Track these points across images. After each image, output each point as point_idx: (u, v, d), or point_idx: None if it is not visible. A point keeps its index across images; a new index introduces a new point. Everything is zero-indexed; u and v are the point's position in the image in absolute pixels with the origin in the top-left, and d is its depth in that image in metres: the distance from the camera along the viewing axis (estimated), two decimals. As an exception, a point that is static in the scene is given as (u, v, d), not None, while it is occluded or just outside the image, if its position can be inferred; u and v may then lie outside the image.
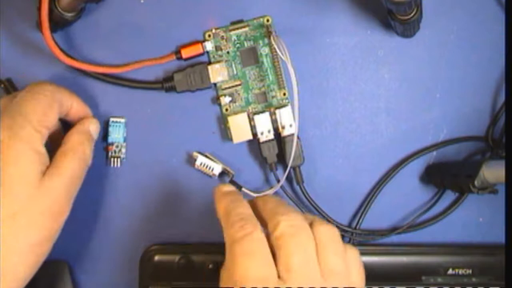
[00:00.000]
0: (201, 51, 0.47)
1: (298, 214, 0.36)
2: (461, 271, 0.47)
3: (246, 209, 0.37)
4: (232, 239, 0.35)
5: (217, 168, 0.47)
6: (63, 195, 0.41)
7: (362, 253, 0.47)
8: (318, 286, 0.34)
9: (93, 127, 0.45)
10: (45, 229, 0.40)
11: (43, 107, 0.41)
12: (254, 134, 0.47)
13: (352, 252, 0.37)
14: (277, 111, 0.47)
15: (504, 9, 0.47)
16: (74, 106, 0.44)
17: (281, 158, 0.47)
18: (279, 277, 0.34)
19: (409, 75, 0.48)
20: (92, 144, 0.44)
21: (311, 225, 0.36)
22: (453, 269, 0.47)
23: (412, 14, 0.42)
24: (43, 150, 0.40)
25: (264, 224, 0.36)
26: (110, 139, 0.47)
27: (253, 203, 0.38)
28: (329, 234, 0.36)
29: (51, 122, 0.41)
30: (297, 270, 0.34)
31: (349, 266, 0.36)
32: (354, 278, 0.36)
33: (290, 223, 0.35)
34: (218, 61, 0.47)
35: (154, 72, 0.47)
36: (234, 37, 0.47)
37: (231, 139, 0.47)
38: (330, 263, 0.35)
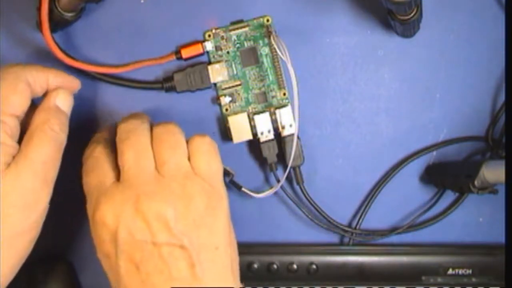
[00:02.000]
0: (201, 51, 0.47)
1: (137, 119, 0.41)
2: (461, 271, 0.47)
3: (100, 135, 0.43)
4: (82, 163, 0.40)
5: (217, 168, 0.47)
6: (36, 182, 0.38)
7: (362, 253, 0.47)
8: (151, 177, 0.38)
9: (61, 99, 0.41)
10: (20, 221, 0.38)
11: (4, 93, 0.38)
12: (254, 134, 0.47)
13: (196, 141, 0.40)
14: (277, 111, 0.47)
15: (504, 9, 0.47)
16: (52, 82, 0.41)
17: (281, 158, 0.47)
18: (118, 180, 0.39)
19: (409, 75, 0.48)
20: (62, 119, 0.40)
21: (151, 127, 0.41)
22: (453, 269, 0.47)
23: (412, 14, 0.42)
24: (6, 139, 0.38)
25: None
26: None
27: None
28: (164, 131, 0.40)
29: (17, 107, 0.39)
30: (128, 167, 0.38)
31: (192, 154, 0.40)
32: (196, 163, 0.40)
33: (125, 128, 0.40)
34: (218, 61, 0.47)
35: (154, 72, 0.47)
36: (234, 37, 0.47)
37: (231, 139, 0.47)
38: (163, 155, 0.38)
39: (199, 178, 0.39)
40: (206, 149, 0.40)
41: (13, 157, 0.38)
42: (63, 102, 0.41)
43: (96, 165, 0.40)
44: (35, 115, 0.40)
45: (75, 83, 0.43)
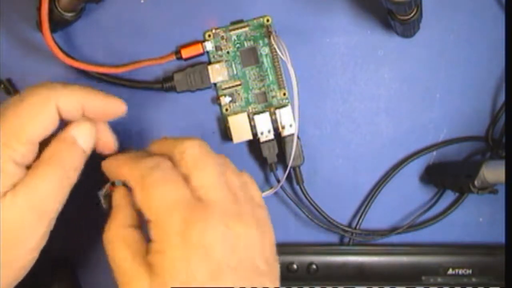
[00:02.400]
0: (201, 51, 0.47)
1: (195, 140, 0.37)
2: (461, 271, 0.47)
3: (146, 153, 0.38)
4: (141, 175, 0.34)
5: (217, 168, 0.47)
6: (30, 216, 0.34)
7: (362, 253, 0.47)
8: (233, 200, 0.35)
9: (81, 133, 0.37)
10: (5, 253, 0.34)
11: (21, 117, 0.35)
12: (254, 134, 0.47)
13: (248, 176, 0.40)
14: (277, 111, 0.47)
15: (504, 9, 0.47)
16: (89, 106, 0.37)
17: (281, 158, 0.47)
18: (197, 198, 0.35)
19: (409, 75, 0.48)
20: (76, 155, 0.36)
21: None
22: (453, 269, 0.47)
23: (412, 14, 0.42)
24: (9, 167, 0.34)
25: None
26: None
27: (150, 150, 0.39)
28: (224, 160, 0.39)
29: (35, 135, 0.35)
30: (211, 186, 0.35)
31: (247, 184, 0.39)
32: (255, 194, 0.39)
33: (196, 150, 0.36)
34: (218, 61, 0.47)
35: (154, 72, 0.47)
36: (234, 37, 0.47)
37: (231, 139, 0.47)
38: (234, 181, 0.37)
39: (264, 208, 0.38)
40: (255, 184, 0.40)
41: (13, 185, 0.35)
42: (83, 137, 0.37)
43: (172, 177, 0.35)
44: (50, 144, 0.36)
45: (119, 108, 0.38)
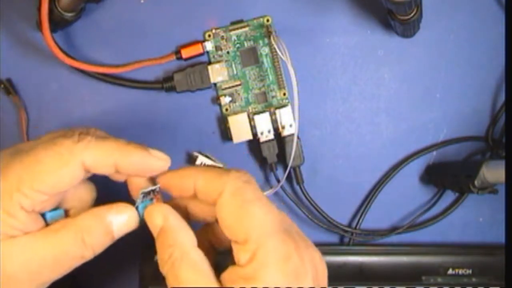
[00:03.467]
0: (201, 51, 0.47)
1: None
2: (461, 271, 0.47)
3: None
4: (236, 188, 0.33)
5: (217, 168, 0.47)
6: (23, 275, 0.32)
7: (362, 253, 0.47)
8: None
9: (119, 219, 0.34)
10: None
11: (44, 166, 0.32)
12: (254, 134, 0.47)
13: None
14: (277, 111, 0.47)
15: (504, 9, 0.47)
16: (122, 164, 0.34)
17: (281, 158, 0.47)
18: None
19: (409, 75, 0.48)
20: (103, 237, 0.34)
21: None
22: (453, 269, 0.47)
23: (412, 14, 0.42)
24: (17, 213, 0.32)
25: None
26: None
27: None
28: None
29: (51, 187, 0.32)
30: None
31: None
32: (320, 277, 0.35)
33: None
34: (218, 61, 0.47)
35: (154, 72, 0.47)
36: (234, 37, 0.47)
37: (231, 139, 0.47)
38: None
39: None
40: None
41: (26, 232, 0.32)
42: (119, 224, 0.34)
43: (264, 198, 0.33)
44: (84, 214, 0.34)
45: (161, 164, 0.35)
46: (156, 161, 0.35)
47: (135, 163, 0.34)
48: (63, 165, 0.32)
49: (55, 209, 0.35)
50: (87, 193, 0.37)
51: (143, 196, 0.35)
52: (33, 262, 0.32)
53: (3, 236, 0.32)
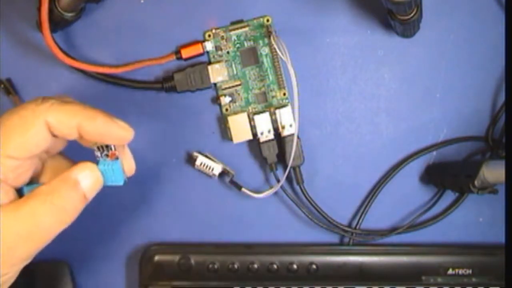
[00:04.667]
0: (201, 51, 0.47)
1: None
2: (461, 271, 0.47)
3: None
4: None
5: (217, 168, 0.47)
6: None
7: (362, 253, 0.47)
8: None
9: (85, 176, 0.34)
10: None
11: (9, 130, 0.32)
12: (254, 134, 0.47)
13: None
14: (277, 111, 0.47)
15: (504, 9, 0.47)
16: (85, 128, 0.34)
17: (281, 158, 0.47)
18: None
19: (409, 75, 0.48)
20: (73, 197, 0.34)
21: None
22: (453, 269, 0.47)
23: (412, 14, 0.42)
24: None
25: None
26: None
27: None
28: None
29: (19, 150, 0.33)
30: None
31: None
32: None
33: None
34: (218, 61, 0.47)
35: (154, 72, 0.47)
36: (234, 37, 0.47)
37: (231, 139, 0.47)
38: None
39: None
40: None
41: None
42: (87, 181, 0.34)
43: None
44: (52, 181, 0.34)
45: (124, 134, 0.35)
46: (119, 129, 0.35)
47: (99, 128, 0.34)
48: (28, 126, 0.33)
49: (32, 183, 0.35)
50: (63, 167, 0.36)
51: (100, 151, 0.36)
52: (8, 233, 0.32)
53: None
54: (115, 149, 0.36)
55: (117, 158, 0.36)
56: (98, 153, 0.36)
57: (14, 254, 0.33)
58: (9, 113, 0.33)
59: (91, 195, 0.35)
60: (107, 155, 0.36)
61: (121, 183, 0.37)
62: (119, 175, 0.36)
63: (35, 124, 0.33)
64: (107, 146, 0.36)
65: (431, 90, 0.48)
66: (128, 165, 0.37)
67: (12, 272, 0.33)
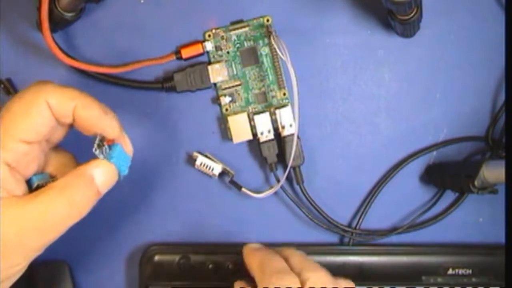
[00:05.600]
0: (201, 51, 0.47)
1: (324, 270, 0.39)
2: (461, 271, 0.47)
3: (282, 263, 0.39)
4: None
5: (217, 168, 0.47)
6: (12, 240, 0.32)
7: (362, 253, 0.47)
8: None
9: (100, 172, 0.35)
10: None
11: (16, 114, 0.34)
12: (254, 134, 0.47)
13: None
14: (277, 111, 0.47)
15: (504, 9, 0.47)
16: (79, 113, 0.35)
17: (281, 158, 0.47)
18: None
19: (409, 75, 0.48)
20: (88, 192, 0.35)
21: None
22: (453, 269, 0.47)
23: (412, 14, 0.42)
24: (1, 170, 0.33)
25: None
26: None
27: (280, 255, 0.40)
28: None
29: (27, 132, 0.34)
30: None
31: None
32: None
33: (319, 279, 0.37)
34: (218, 61, 0.47)
35: (154, 72, 0.47)
36: (234, 37, 0.47)
37: (231, 139, 0.47)
38: None
39: None
40: None
41: (11, 193, 0.33)
42: (101, 177, 0.35)
43: None
44: (67, 174, 0.35)
45: (109, 125, 0.36)
46: (110, 120, 0.36)
47: (93, 115, 0.36)
48: (32, 108, 0.34)
49: (37, 174, 0.36)
50: (68, 159, 0.38)
51: (100, 149, 0.36)
52: (24, 225, 0.33)
53: None
54: (105, 138, 0.37)
55: (115, 143, 0.37)
56: (100, 154, 0.36)
57: (28, 245, 0.33)
58: (12, 99, 0.34)
59: (104, 190, 0.36)
60: (106, 149, 0.36)
61: (130, 160, 0.38)
62: (126, 155, 0.38)
63: (39, 104, 0.34)
64: (101, 141, 0.36)
65: (431, 90, 0.48)
66: (126, 146, 0.38)
67: (23, 263, 0.34)
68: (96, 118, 0.36)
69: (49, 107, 0.35)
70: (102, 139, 0.36)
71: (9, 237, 0.32)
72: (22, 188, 0.34)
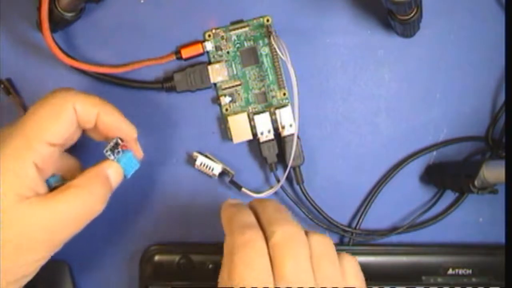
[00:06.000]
0: (201, 51, 0.47)
1: (294, 223, 0.36)
2: (461, 271, 0.47)
3: (249, 216, 0.37)
4: (232, 246, 0.34)
5: (217, 168, 0.47)
6: (40, 234, 0.35)
7: (362, 253, 0.47)
8: None
9: (112, 172, 0.39)
10: (3, 259, 0.34)
11: (44, 118, 0.36)
12: (254, 134, 0.47)
13: (349, 260, 0.36)
14: (277, 111, 0.47)
15: (504, 9, 0.47)
16: (102, 118, 0.38)
17: (281, 158, 0.47)
18: (274, 286, 0.33)
19: (409, 75, 0.48)
20: (105, 189, 0.38)
21: (306, 234, 0.36)
22: (453, 269, 0.47)
23: (412, 14, 0.42)
24: (30, 170, 0.35)
25: (262, 230, 0.36)
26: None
27: (253, 208, 0.38)
28: (323, 243, 0.36)
29: (56, 135, 0.36)
30: (290, 278, 0.33)
31: (346, 274, 0.35)
32: (350, 284, 0.35)
33: (285, 233, 0.34)
34: (218, 61, 0.47)
35: (154, 72, 0.47)
36: (234, 37, 0.47)
37: (231, 139, 0.47)
38: (324, 270, 0.34)
39: None
40: (359, 272, 0.36)
41: (36, 193, 0.36)
42: (114, 175, 0.39)
43: (257, 262, 0.34)
44: (85, 172, 0.38)
45: (131, 131, 0.40)
46: (128, 126, 0.40)
47: (113, 120, 0.39)
48: (61, 111, 0.36)
49: (53, 176, 0.39)
50: (74, 162, 0.41)
51: (112, 151, 0.40)
52: (51, 221, 0.35)
53: (20, 197, 0.35)
54: (122, 141, 0.40)
55: (127, 149, 0.40)
56: (111, 155, 0.40)
57: (53, 239, 0.36)
58: (39, 103, 0.37)
59: (114, 188, 0.40)
60: (119, 152, 0.40)
61: (138, 166, 0.42)
62: (135, 161, 0.41)
63: (67, 109, 0.37)
64: (116, 144, 0.39)
65: (431, 90, 0.48)
66: (137, 151, 0.42)
67: (47, 258, 0.37)
68: (118, 123, 0.39)
69: (75, 112, 0.37)
70: (117, 143, 0.39)
71: (37, 233, 0.35)
72: (44, 188, 0.37)
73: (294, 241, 0.35)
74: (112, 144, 0.39)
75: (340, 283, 0.35)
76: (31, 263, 0.36)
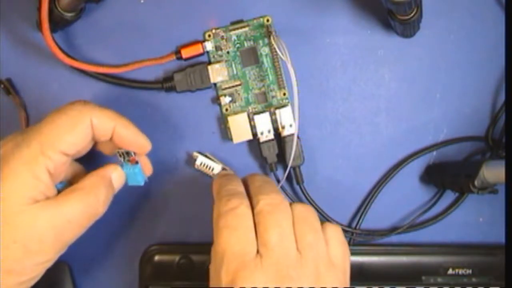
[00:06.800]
0: (201, 51, 0.47)
1: (278, 193, 0.38)
2: (461, 271, 0.47)
3: (237, 186, 0.39)
4: (218, 213, 0.36)
5: (217, 168, 0.47)
6: (49, 236, 0.36)
7: (362, 253, 0.47)
8: (294, 260, 0.35)
9: (116, 176, 0.41)
10: (12, 261, 0.36)
11: (61, 128, 0.37)
12: (254, 134, 0.47)
13: (332, 229, 0.38)
14: (277, 111, 0.47)
15: (504, 9, 0.47)
16: (119, 132, 0.40)
17: (281, 158, 0.47)
18: (258, 252, 0.35)
19: (409, 75, 0.48)
20: (109, 192, 0.40)
21: (290, 205, 0.38)
22: (453, 269, 0.47)
23: (412, 14, 0.42)
24: (43, 176, 0.36)
25: (250, 200, 0.38)
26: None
27: (244, 181, 0.40)
28: (305, 211, 0.37)
29: (70, 146, 0.37)
30: (273, 245, 0.35)
31: (329, 242, 0.37)
32: (333, 252, 0.37)
33: (269, 201, 0.36)
34: (218, 61, 0.47)
35: (154, 72, 0.47)
36: (234, 37, 0.47)
37: (231, 139, 0.47)
38: (307, 238, 0.36)
39: (336, 269, 0.37)
40: (343, 239, 0.38)
41: (46, 197, 0.37)
42: (117, 179, 0.41)
43: (240, 227, 0.36)
44: (88, 175, 0.39)
45: (145, 145, 0.41)
46: (144, 139, 0.41)
47: (129, 134, 0.40)
48: (77, 123, 0.38)
49: (61, 182, 0.40)
50: (80, 170, 0.43)
51: (123, 155, 0.41)
52: (59, 222, 0.36)
53: (31, 200, 0.36)
54: (134, 155, 0.41)
55: (137, 163, 0.42)
56: (120, 158, 0.41)
57: (61, 240, 0.37)
58: (56, 112, 0.38)
59: (116, 191, 0.41)
60: (128, 160, 0.41)
61: (141, 183, 0.43)
62: (139, 177, 0.42)
63: (84, 122, 0.38)
64: (127, 153, 0.41)
65: (431, 90, 0.48)
66: (146, 168, 0.43)
67: (54, 259, 0.38)
68: (134, 136, 0.41)
69: (91, 125, 0.38)
70: (129, 153, 0.41)
71: (45, 235, 0.36)
72: (54, 192, 0.38)
73: (278, 209, 0.36)
74: (125, 150, 0.41)
75: (323, 250, 0.37)
76: (39, 264, 0.37)
